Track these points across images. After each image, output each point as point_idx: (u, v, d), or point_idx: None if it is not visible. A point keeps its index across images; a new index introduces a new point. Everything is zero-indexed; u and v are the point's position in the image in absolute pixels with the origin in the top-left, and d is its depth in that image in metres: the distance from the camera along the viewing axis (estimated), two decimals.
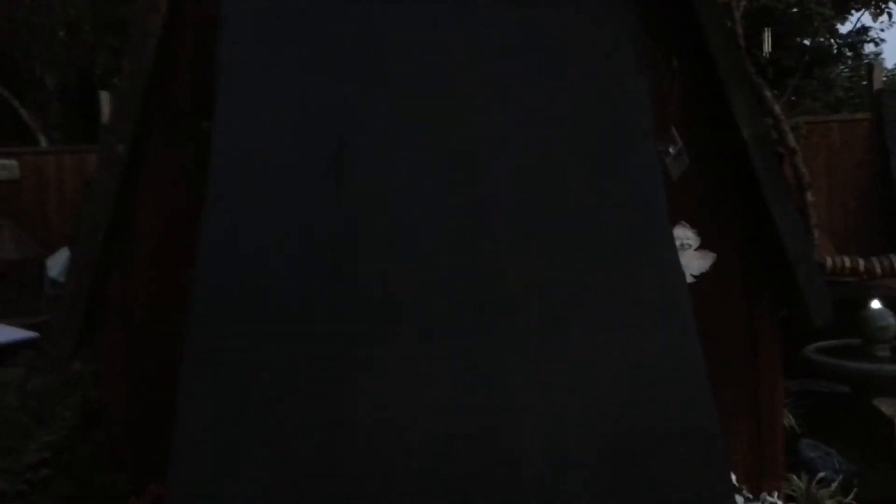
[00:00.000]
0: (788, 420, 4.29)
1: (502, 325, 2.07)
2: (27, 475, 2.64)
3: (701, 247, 3.11)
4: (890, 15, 9.11)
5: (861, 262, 6.29)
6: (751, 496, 2.85)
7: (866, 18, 9.85)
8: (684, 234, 3.04)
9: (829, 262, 6.11)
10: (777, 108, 4.94)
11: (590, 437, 1.98)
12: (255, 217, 2.27)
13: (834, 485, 3.50)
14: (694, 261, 3.09)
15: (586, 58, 2.64)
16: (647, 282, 2.22)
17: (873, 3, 8.66)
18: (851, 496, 3.45)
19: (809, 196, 5.12)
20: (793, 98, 9.19)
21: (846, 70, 11.48)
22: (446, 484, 1.85)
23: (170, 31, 2.89)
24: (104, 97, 7.94)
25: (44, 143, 9.57)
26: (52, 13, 8.07)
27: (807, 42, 8.66)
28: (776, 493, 2.83)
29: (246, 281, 2.16)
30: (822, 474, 3.59)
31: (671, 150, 2.84)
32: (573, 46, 2.65)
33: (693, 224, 3.05)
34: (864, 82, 9.53)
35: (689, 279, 2.92)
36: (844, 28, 9.95)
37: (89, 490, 2.84)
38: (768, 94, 4.90)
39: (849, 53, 10.50)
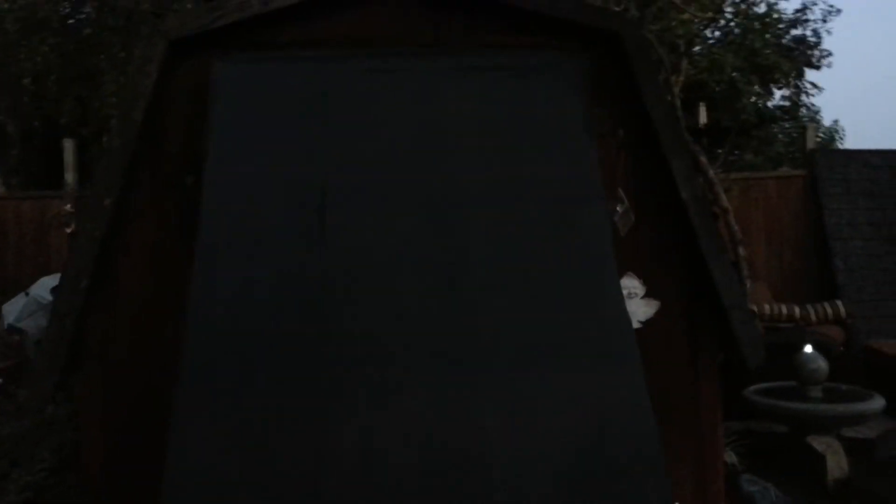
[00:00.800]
0: (730, 457, 4.56)
1: (471, 364, 2.29)
2: None
3: (646, 295, 3.39)
4: (808, 93, 9.87)
5: (797, 310, 6.72)
6: None
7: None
8: (631, 284, 3.32)
9: (767, 309, 6.52)
10: (711, 173, 5.36)
11: (549, 465, 2.20)
12: (243, 264, 2.46)
13: None
14: (640, 308, 3.36)
15: (543, 125, 2.93)
16: (599, 328, 2.47)
17: (791, 83, 9.37)
18: None
19: (742, 251, 5.51)
20: (735, 152, 9.77)
21: (785, 127, 12.20)
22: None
23: (159, 92, 3.10)
24: (68, 145, 8.02)
25: (2, 188, 9.54)
26: (17, 62, 8.16)
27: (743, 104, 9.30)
28: None
29: (235, 322, 2.33)
30: None
31: (619, 208, 3.13)
32: (532, 114, 2.94)
33: (639, 274, 3.32)
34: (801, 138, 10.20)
35: (636, 325, 3.19)
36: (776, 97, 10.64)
37: None
38: (703, 159, 5.31)
39: (785, 116, 11.19)
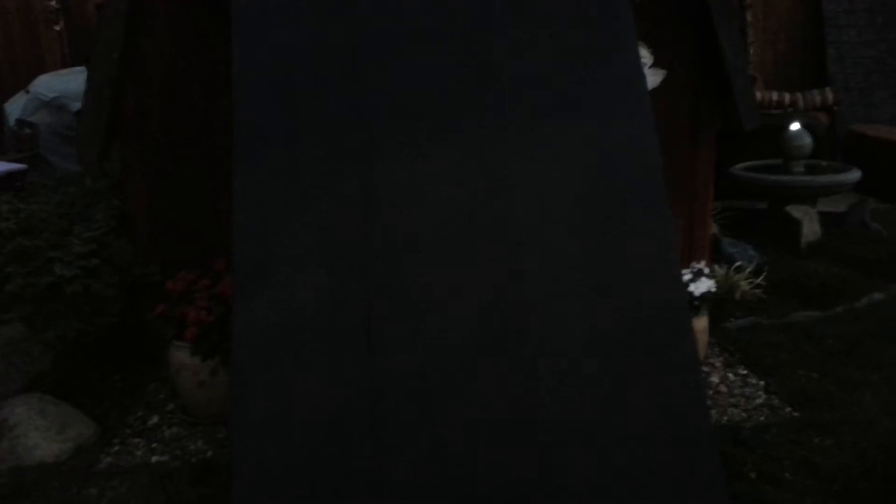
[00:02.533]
0: (714, 228, 4.95)
1: (496, 113, 2.49)
2: (78, 263, 3.04)
3: (654, 64, 3.55)
4: None
5: (787, 96, 6.91)
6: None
7: None
8: (640, 53, 3.47)
9: (758, 96, 6.69)
10: None
11: (566, 197, 2.46)
12: (279, 30, 2.56)
13: (747, 270, 4.20)
14: (648, 77, 3.53)
15: None
16: (613, 79, 2.65)
17: None
18: (761, 278, 4.17)
19: (748, 16, 5.54)
20: None
21: None
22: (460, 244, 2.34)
23: None
24: None
25: None
26: None
27: None
28: (702, 263, 3.46)
29: (277, 82, 2.49)
30: (738, 263, 4.29)
31: None
32: None
33: (649, 43, 3.47)
34: None
35: None
36: None
37: (130, 278, 3.28)
38: None
39: None
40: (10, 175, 5.04)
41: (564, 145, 2.55)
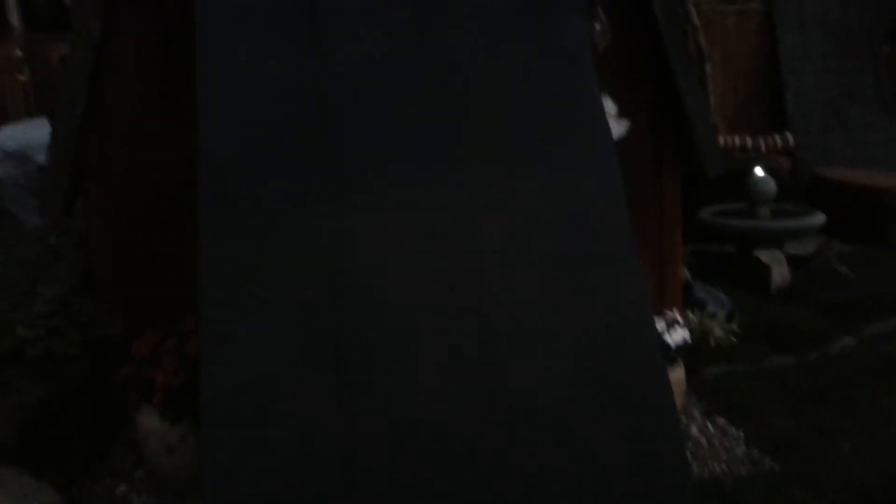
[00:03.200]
0: (683, 272, 4.99)
1: (462, 162, 2.49)
2: (41, 323, 2.94)
3: (618, 115, 3.60)
4: None
5: (749, 141, 7.09)
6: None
7: None
8: (605, 104, 3.52)
9: (721, 140, 6.84)
10: None
11: (534, 252, 2.46)
12: (243, 73, 2.54)
13: (720, 316, 4.22)
14: (612, 127, 3.58)
15: None
16: (580, 130, 2.68)
17: None
18: (734, 324, 4.19)
19: (707, 68, 5.72)
20: None
21: None
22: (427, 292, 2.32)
23: None
24: None
25: None
26: None
27: None
28: (675, 312, 3.46)
29: (243, 128, 2.46)
30: (710, 308, 4.30)
31: (597, 25, 3.27)
32: None
33: (612, 93, 3.52)
34: None
35: None
36: None
37: (93, 339, 3.18)
38: None
39: None
40: None
41: (533, 196, 2.55)
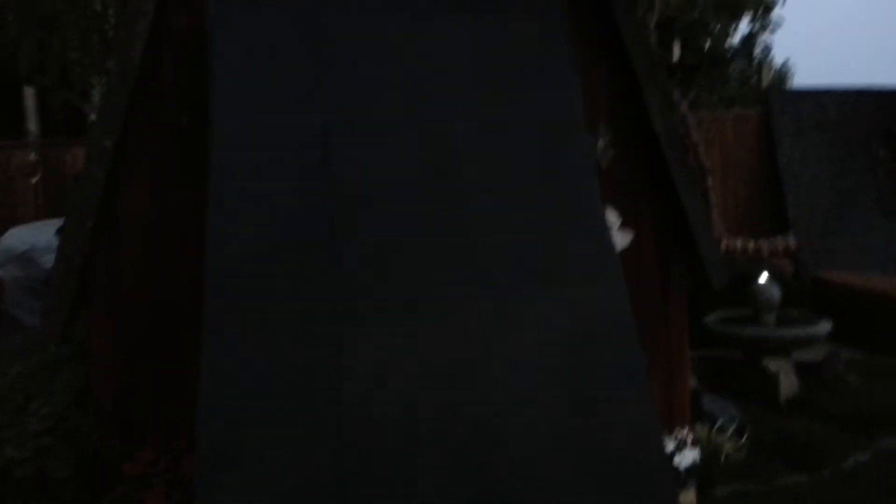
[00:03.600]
0: (691, 380, 4.91)
1: (469, 283, 2.49)
2: (32, 443, 2.87)
3: (622, 226, 3.64)
4: (773, 29, 10.16)
5: (751, 243, 7.12)
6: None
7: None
8: (608, 216, 3.56)
9: (723, 243, 6.88)
10: (684, 107, 5.60)
11: (541, 375, 2.43)
12: (253, 199, 2.59)
13: (730, 430, 4.12)
14: (616, 239, 3.61)
15: (528, 61, 3.09)
16: (585, 249, 2.69)
17: (759, 12, 9.64)
18: (745, 438, 4.09)
19: (709, 181, 5.82)
20: (697, 95, 10.05)
21: (738, 69, 12.41)
22: (430, 413, 2.27)
23: (154, 32, 3.16)
24: (28, 93, 7.86)
25: None
26: None
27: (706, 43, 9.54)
28: (686, 430, 3.38)
29: (251, 252, 2.48)
30: (720, 422, 4.21)
31: (601, 142, 3.34)
32: (517, 50, 3.10)
33: (615, 206, 3.56)
34: (756, 77, 10.51)
35: None
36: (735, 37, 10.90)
37: (87, 457, 3.09)
38: (677, 95, 5.56)
39: (740, 55, 11.42)
40: None
41: (538, 315, 2.53)
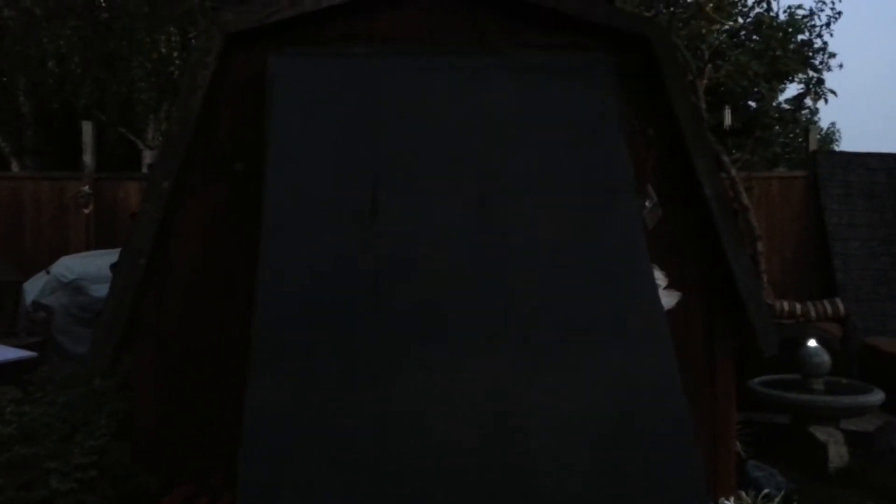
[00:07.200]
0: (736, 445, 4.77)
1: (515, 340, 2.49)
2: (76, 475, 2.90)
3: (668, 286, 3.59)
4: (826, 99, 10.16)
5: (799, 307, 6.97)
6: None
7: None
8: (655, 276, 3.52)
9: (770, 305, 6.75)
10: (733, 171, 5.56)
11: (586, 437, 2.40)
12: (305, 245, 2.64)
13: (777, 500, 3.97)
14: (663, 299, 3.56)
15: (579, 122, 3.13)
16: (633, 310, 2.67)
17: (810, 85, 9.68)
18: None
19: (760, 246, 5.72)
20: (733, 151, 10.02)
21: (782, 131, 12.36)
22: (468, 463, 2.25)
23: (214, 83, 3.27)
24: (86, 127, 8.15)
25: (15, 168, 9.67)
26: (40, 44, 8.28)
27: (752, 104, 9.52)
28: (731, 499, 3.27)
29: (300, 298, 2.52)
30: (766, 491, 4.07)
31: (647, 203, 3.33)
32: (568, 111, 3.14)
33: (662, 267, 3.53)
34: (800, 139, 10.41)
35: None
36: (781, 96, 10.91)
37: (126, 491, 3.11)
38: (726, 159, 5.52)
39: (787, 117, 11.39)
40: (17, 363, 4.98)
41: (583, 374, 2.50)
